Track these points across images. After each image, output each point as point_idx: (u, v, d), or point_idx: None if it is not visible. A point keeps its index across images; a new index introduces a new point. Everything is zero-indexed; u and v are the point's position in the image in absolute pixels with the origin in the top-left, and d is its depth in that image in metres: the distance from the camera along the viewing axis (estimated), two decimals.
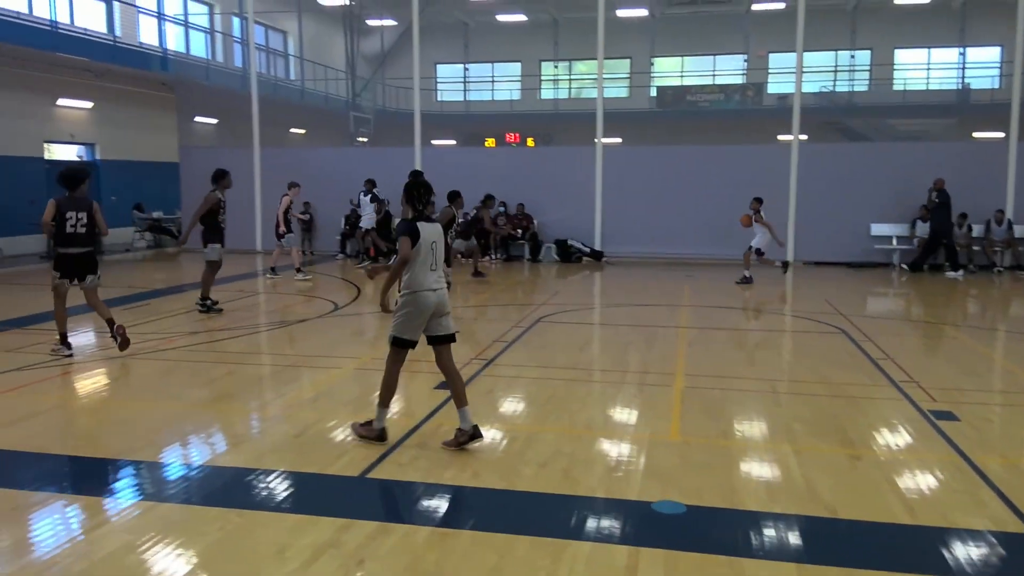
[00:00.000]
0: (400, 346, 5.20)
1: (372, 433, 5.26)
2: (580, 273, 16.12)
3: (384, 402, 5.24)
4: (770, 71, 31.28)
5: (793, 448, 5.30)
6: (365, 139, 29.25)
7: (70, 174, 7.76)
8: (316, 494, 4.54)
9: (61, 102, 18.95)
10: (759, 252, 13.60)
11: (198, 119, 24.10)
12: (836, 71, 30.87)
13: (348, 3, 28.82)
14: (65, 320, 7.96)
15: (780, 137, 25.96)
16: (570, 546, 3.81)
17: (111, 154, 20.53)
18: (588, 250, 17.84)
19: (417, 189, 5.28)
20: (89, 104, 19.69)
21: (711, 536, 4.01)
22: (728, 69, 32.45)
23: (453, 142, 30.99)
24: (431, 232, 5.13)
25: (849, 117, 28.56)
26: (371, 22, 31.89)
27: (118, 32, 20.59)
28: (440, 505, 4.36)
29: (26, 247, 17.56)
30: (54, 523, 4.12)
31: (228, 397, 6.60)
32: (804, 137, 17.49)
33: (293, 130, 29.09)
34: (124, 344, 7.69)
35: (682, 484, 4.62)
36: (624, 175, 17.65)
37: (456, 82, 34.83)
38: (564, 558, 3.70)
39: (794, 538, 3.99)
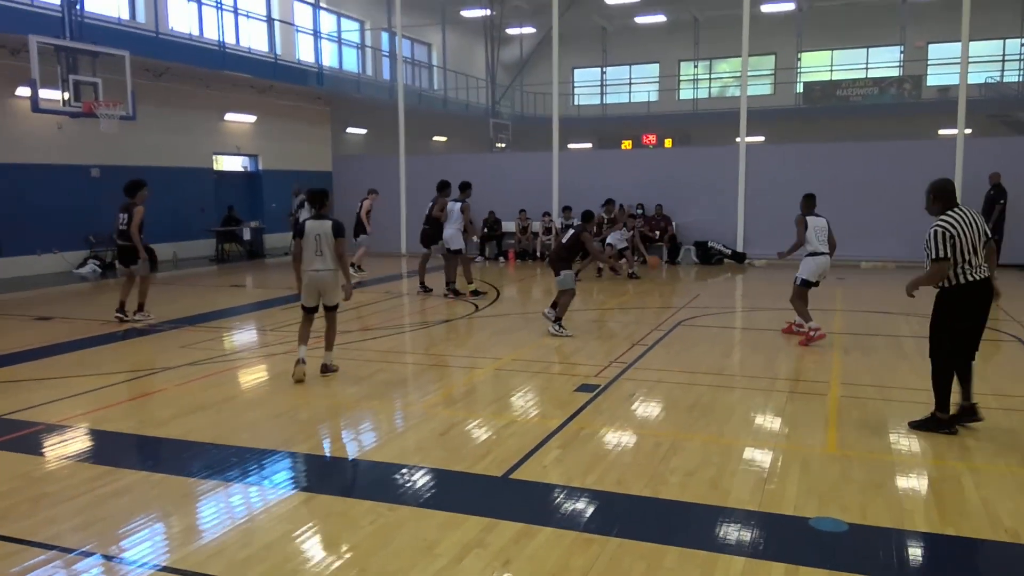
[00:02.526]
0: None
1: None
2: (721, 275, 15.62)
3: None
4: (929, 62, 29.20)
5: (967, 466, 4.87)
6: (504, 144, 29.75)
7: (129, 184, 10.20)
8: (462, 492, 4.61)
9: (228, 117, 20.46)
10: None
11: (349, 130, 25.36)
12: (1004, 60, 28.34)
13: (489, 13, 29.41)
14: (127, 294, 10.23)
15: (941, 132, 24.06)
16: (721, 560, 3.66)
17: (272, 164, 21.94)
18: (730, 252, 17.27)
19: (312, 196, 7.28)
20: (253, 118, 21.14)
21: (876, 557, 3.74)
22: (882, 61, 30.54)
23: (589, 145, 30.92)
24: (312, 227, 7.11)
25: (1019, 110, 26.13)
26: (511, 31, 32.40)
27: (279, 51, 21.99)
28: (584, 509, 4.31)
29: (197, 251, 19.03)
30: (220, 510, 4.40)
31: (377, 395, 6.85)
32: (968, 131, 16.12)
33: (436, 138, 30.02)
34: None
35: (842, 500, 4.34)
36: (768, 174, 16.96)
37: (593, 86, 34.75)
38: (715, 572, 3.55)
39: (970, 563, 3.65)
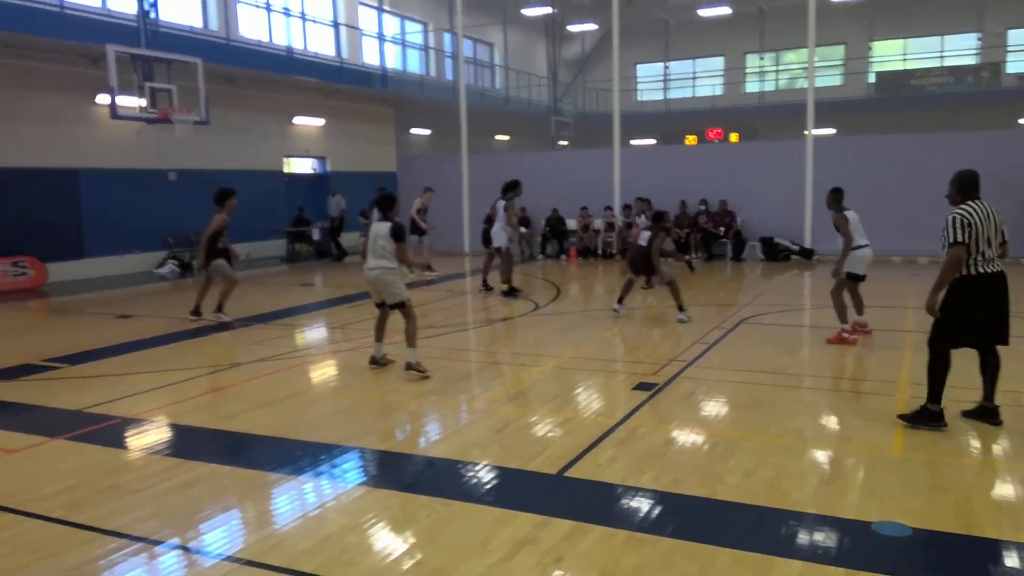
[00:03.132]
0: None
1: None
2: (788, 272, 15.26)
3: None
4: (1009, 49, 27.89)
5: None
6: (566, 142, 29.68)
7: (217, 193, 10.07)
8: (516, 489, 4.65)
9: (297, 120, 21.00)
10: None
11: (413, 130, 25.72)
12: None
13: (551, 11, 29.39)
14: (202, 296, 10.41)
15: (1022, 121, 22.97)
16: (777, 563, 3.60)
17: (339, 165, 22.41)
18: (797, 248, 16.85)
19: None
20: (321, 121, 21.64)
21: (942, 564, 3.62)
22: (958, 49, 29.31)
23: (653, 141, 30.58)
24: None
25: None
26: (572, 28, 32.29)
27: (345, 55, 22.45)
28: (638, 508, 4.29)
29: (269, 251, 19.59)
30: (283, 503, 4.54)
31: (438, 391, 6.94)
32: None
33: (498, 136, 30.17)
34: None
35: (907, 504, 4.21)
36: (838, 167, 16.47)
37: (656, 81, 34.34)
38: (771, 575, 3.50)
39: None
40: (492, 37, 30.55)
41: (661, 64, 33.84)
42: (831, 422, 5.79)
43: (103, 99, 14.90)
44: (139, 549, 3.88)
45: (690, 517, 4.19)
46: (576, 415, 6.02)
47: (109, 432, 5.86)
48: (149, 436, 5.86)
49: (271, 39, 20.09)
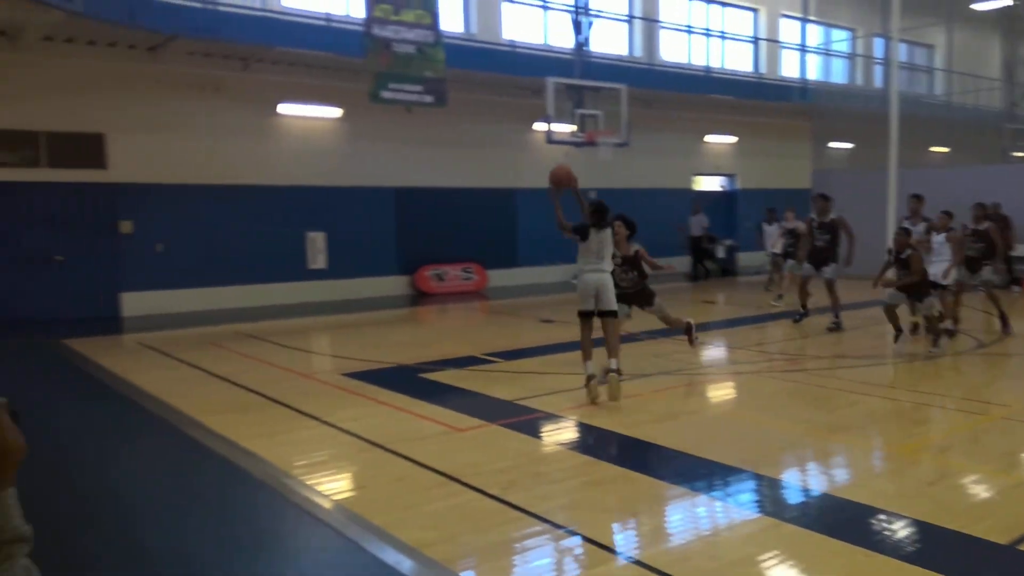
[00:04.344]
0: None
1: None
2: None
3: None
4: None
5: None
6: (1023, 153, 25.25)
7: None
8: (953, 554, 4.03)
9: (708, 139, 21.18)
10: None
11: (832, 144, 24.19)
12: None
13: (1010, 3, 25.27)
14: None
15: None
16: None
17: (748, 183, 22.07)
18: None
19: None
20: (733, 139, 21.53)
21: None
22: None
23: None
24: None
25: None
26: None
27: (762, 69, 22.04)
28: None
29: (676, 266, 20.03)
30: (686, 518, 4.55)
31: (850, 428, 6.38)
32: None
33: (933, 148, 26.86)
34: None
35: None
36: None
37: None
38: None
39: None
40: (932, 38, 27.32)
41: None
42: None
43: (540, 126, 16.68)
44: (557, 536, 4.22)
45: None
46: None
47: (534, 424, 6.50)
48: (566, 433, 6.37)
49: (690, 60, 20.55)
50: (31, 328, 11.59)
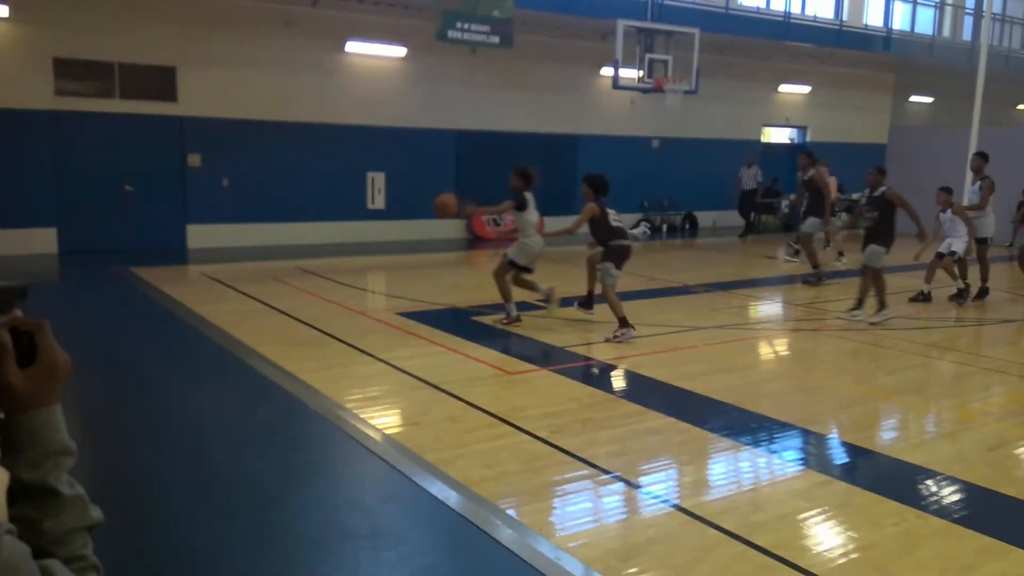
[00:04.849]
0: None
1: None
2: None
3: None
4: None
5: None
6: None
7: (601, 180, 8.13)
8: (1010, 520, 3.93)
9: (782, 88, 20.41)
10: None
11: (913, 98, 23.11)
12: None
13: None
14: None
15: None
16: None
17: (821, 136, 21.27)
18: None
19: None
20: (807, 88, 20.72)
21: None
22: None
23: None
24: None
25: None
26: None
27: (844, 16, 21.01)
28: None
29: (732, 220, 19.55)
30: (733, 470, 4.53)
31: (913, 390, 6.22)
32: None
33: (1021, 107, 25.46)
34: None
35: None
36: None
37: None
38: None
39: None
40: None
41: None
42: None
43: (607, 71, 16.30)
44: (605, 480, 4.24)
45: None
46: None
47: (584, 371, 6.51)
48: (617, 381, 6.36)
49: (768, 5, 19.70)
50: (102, 256, 12.02)
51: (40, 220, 12.48)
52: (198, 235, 13.77)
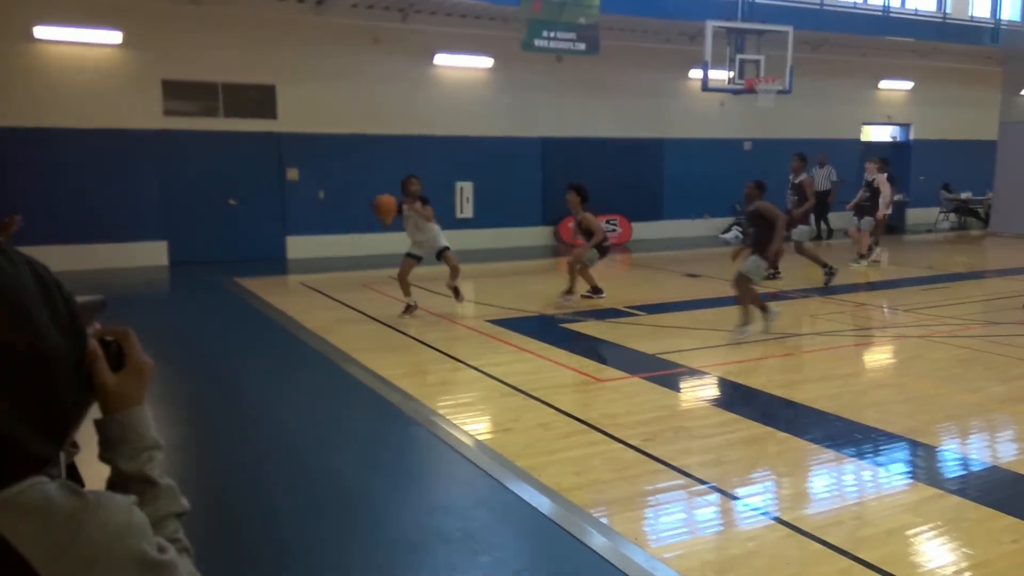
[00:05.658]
0: None
1: None
2: None
3: None
4: None
5: None
6: None
7: (586, 189, 9.64)
8: None
9: (882, 84, 19.61)
10: None
11: None
12: None
13: None
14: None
15: None
16: None
17: (924, 134, 20.34)
18: None
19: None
20: (909, 84, 19.84)
21: None
22: None
23: None
24: None
25: None
26: None
27: (948, 9, 20.02)
28: None
29: (834, 223, 18.79)
30: (836, 483, 4.35)
31: None
32: None
33: None
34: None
35: None
36: None
37: None
38: None
39: None
40: None
41: None
42: None
43: (695, 73, 16.04)
44: (700, 491, 4.15)
45: None
46: None
47: (676, 379, 6.40)
48: (710, 389, 6.23)
49: (866, 0, 18.97)
50: (209, 267, 12.63)
51: (152, 234, 13.23)
52: (297, 246, 14.30)
